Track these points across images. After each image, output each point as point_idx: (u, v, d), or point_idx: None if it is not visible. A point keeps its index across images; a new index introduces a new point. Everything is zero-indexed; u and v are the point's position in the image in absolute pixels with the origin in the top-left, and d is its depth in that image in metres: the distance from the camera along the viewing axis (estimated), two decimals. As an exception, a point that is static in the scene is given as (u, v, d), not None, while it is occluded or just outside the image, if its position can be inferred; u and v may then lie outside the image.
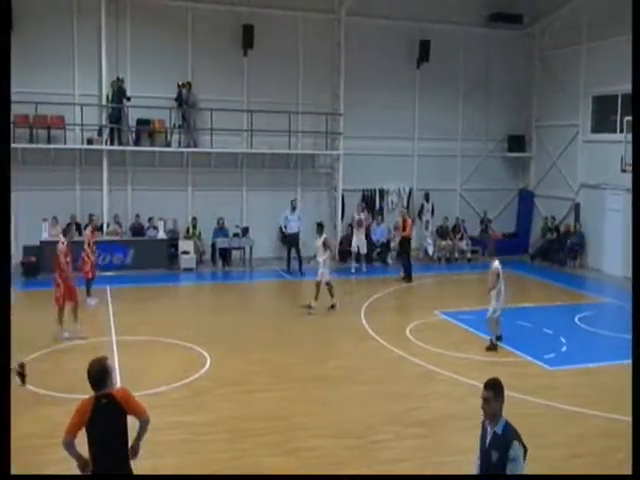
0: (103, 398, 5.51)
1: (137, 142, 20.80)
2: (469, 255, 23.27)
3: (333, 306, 15.66)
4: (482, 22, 23.84)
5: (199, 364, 11.61)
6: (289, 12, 21.85)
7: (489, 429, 5.23)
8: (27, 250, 18.84)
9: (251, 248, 21.14)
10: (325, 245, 15.84)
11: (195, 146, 21.09)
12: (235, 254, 21.21)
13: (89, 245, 15.94)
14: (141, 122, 20.78)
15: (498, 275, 12.44)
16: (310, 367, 11.72)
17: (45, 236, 18.85)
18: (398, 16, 22.70)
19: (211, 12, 21.26)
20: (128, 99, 20.24)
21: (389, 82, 22.84)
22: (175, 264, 20.13)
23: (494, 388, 5.21)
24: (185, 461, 8.14)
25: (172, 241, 20.36)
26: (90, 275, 15.86)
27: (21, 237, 19.20)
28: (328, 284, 15.69)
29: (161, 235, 20.33)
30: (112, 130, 20.45)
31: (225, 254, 20.74)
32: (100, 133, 20.48)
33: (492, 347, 12.64)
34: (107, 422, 5.47)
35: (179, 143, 21.06)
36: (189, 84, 20.83)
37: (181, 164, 21.32)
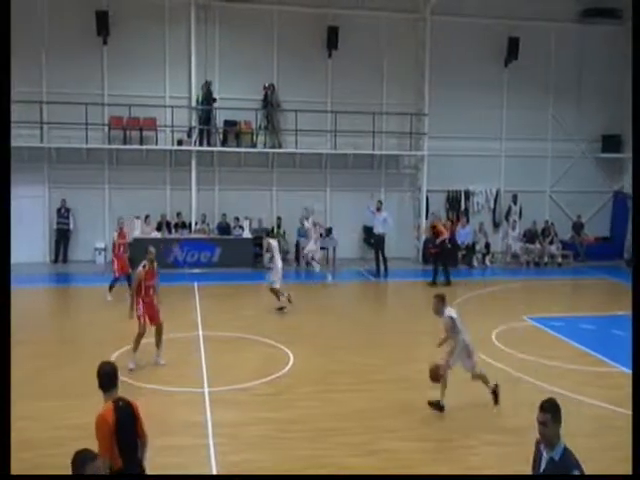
0: (120, 401, 5.62)
1: (224, 143, 21.29)
2: (559, 260, 22.49)
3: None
4: (575, 17, 23.01)
5: (283, 362, 11.73)
6: (373, 12, 21.81)
7: (544, 454, 4.81)
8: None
9: (334, 248, 21.18)
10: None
11: (280, 147, 21.37)
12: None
13: (118, 247, 16.38)
14: (228, 123, 21.27)
15: (453, 326, 9.68)
16: (393, 369, 11.62)
17: (137, 233, 19.62)
18: (485, 13, 22.24)
19: (296, 15, 21.50)
20: (214, 100, 20.75)
21: (475, 81, 22.38)
22: (260, 263, 20.47)
23: (552, 410, 4.79)
24: (268, 457, 8.23)
25: (257, 240, 20.71)
26: (118, 274, 16.21)
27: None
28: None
29: (246, 234, 20.71)
30: (201, 131, 21.01)
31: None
32: (189, 134, 21.08)
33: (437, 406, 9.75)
34: (129, 422, 5.60)
35: (264, 144, 21.40)
36: (272, 86, 21.12)
37: (266, 164, 21.68)
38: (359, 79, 21.76)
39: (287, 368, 11.48)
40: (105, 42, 20.48)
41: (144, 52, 20.70)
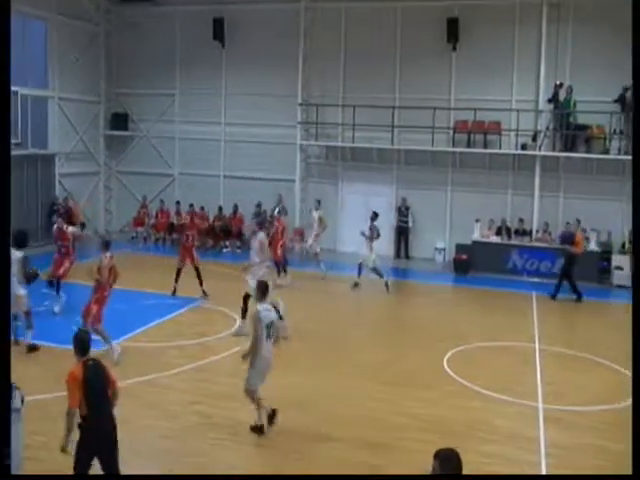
0: (89, 360, 6.38)
1: (572, 148, 20.10)
2: None
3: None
4: None
5: (626, 391, 10.60)
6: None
7: None
8: (459, 248, 20.06)
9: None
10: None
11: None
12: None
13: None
14: (579, 127, 20.02)
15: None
16: None
17: (476, 236, 19.73)
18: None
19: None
20: (558, 103, 19.81)
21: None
22: (607, 279, 18.86)
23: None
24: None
25: (605, 254, 19.15)
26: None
27: (455, 235, 20.77)
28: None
29: (592, 247, 19.27)
30: (548, 135, 20.18)
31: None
32: (534, 139, 20.40)
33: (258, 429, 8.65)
34: (97, 377, 6.35)
35: (619, 150, 19.62)
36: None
37: (621, 173, 19.73)
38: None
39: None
40: (454, 48, 20.95)
41: (492, 56, 20.66)
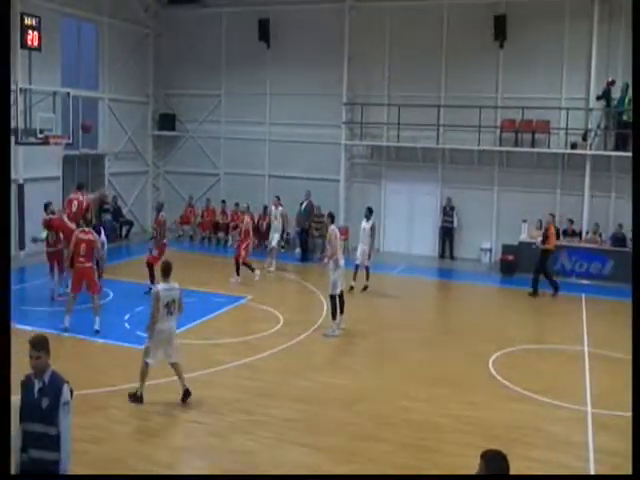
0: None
1: (625, 147, 19.58)
2: None
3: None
4: None
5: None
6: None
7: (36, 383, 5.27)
8: (506, 248, 19.76)
9: None
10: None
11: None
12: None
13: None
14: (629, 126, 19.45)
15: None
16: None
17: (523, 237, 19.45)
18: None
19: None
20: (610, 101, 19.35)
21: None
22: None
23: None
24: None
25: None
26: None
27: (501, 236, 20.52)
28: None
29: (644, 248, 18.75)
30: (599, 134, 19.73)
31: None
32: (585, 137, 19.95)
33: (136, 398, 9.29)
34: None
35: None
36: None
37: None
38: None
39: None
40: (501, 46, 20.64)
41: (540, 54, 20.30)
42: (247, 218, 17.59)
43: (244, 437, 8.45)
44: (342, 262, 13.11)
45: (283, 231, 20.16)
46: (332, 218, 14.17)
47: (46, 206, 14.86)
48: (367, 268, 16.49)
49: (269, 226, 22.33)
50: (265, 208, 22.80)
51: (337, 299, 12.95)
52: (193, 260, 20.04)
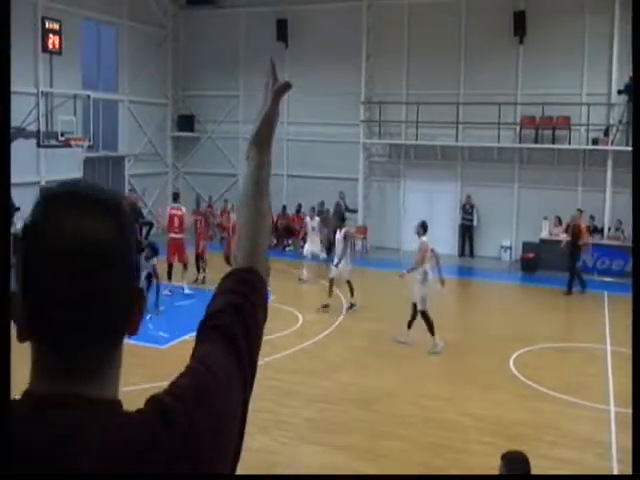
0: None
1: (646, 142, 19.34)
2: None
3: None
4: None
5: None
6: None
7: None
8: (526, 246, 19.61)
9: None
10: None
11: None
12: None
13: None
14: (653, 120, 19.26)
15: None
16: None
17: (544, 234, 19.27)
18: None
19: None
20: (632, 96, 19.04)
21: None
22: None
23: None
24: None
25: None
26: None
27: (522, 233, 20.30)
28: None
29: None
30: (621, 129, 19.50)
31: None
32: (606, 133, 19.74)
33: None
34: None
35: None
36: None
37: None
38: None
39: None
40: (521, 41, 20.48)
41: (560, 49, 20.07)
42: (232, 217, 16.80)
43: (266, 437, 8.47)
44: (431, 276, 11.98)
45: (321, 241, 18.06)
46: (424, 228, 12.39)
47: None
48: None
49: (286, 227, 22.33)
50: (284, 208, 22.83)
51: (428, 314, 11.84)
52: (212, 260, 20.09)
